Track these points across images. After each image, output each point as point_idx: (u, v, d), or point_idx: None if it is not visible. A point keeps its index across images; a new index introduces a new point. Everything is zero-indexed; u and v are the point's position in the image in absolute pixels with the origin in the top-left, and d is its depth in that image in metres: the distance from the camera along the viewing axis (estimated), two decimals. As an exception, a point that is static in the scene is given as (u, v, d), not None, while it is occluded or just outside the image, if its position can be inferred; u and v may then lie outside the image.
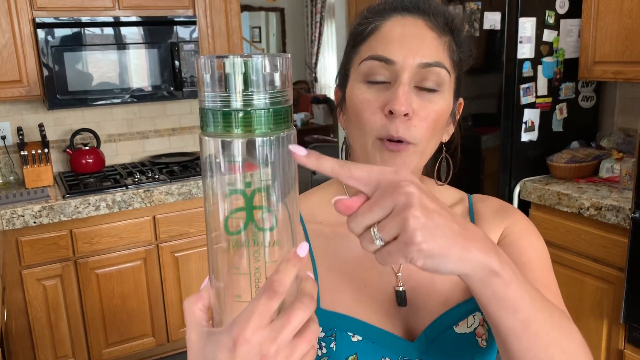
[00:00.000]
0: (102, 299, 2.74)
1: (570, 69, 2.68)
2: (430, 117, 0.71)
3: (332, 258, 0.79)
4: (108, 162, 3.15)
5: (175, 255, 2.86)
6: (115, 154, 3.21)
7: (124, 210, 2.70)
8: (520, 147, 2.66)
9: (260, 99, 0.44)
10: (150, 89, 2.90)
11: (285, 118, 0.47)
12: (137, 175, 2.86)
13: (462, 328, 0.75)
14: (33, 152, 2.76)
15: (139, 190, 2.71)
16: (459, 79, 0.77)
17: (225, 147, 0.45)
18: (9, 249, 2.52)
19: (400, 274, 0.78)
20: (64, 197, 2.61)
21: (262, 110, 0.44)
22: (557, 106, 2.70)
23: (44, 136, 2.81)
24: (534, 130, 2.66)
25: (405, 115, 0.69)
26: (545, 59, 2.62)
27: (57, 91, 2.69)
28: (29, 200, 2.58)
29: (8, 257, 2.53)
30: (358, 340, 0.73)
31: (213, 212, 0.48)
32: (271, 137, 0.45)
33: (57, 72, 2.69)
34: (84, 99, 2.77)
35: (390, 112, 0.69)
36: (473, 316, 0.76)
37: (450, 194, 0.88)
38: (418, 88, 0.71)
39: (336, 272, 0.77)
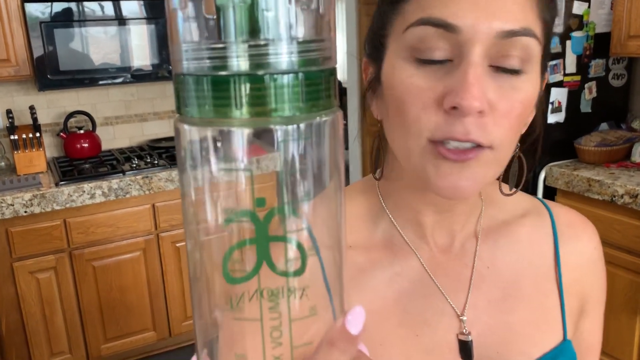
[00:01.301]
0: (99, 292, 2.58)
1: (601, 44, 2.48)
2: (514, 111, 0.50)
3: (370, 296, 0.59)
4: (104, 147, 2.97)
5: (177, 245, 2.69)
6: (112, 138, 3.03)
7: (121, 198, 2.54)
8: (546, 130, 2.46)
9: (280, 55, 0.26)
10: (150, 68, 2.72)
11: (325, 90, 0.28)
12: (135, 161, 2.69)
13: None
14: (24, 136, 2.58)
15: (137, 177, 2.54)
16: (547, 48, 0.55)
17: (220, 143, 0.27)
18: (-2, 240, 2.37)
19: (465, 317, 0.60)
20: (56, 185, 2.44)
21: (285, 76, 0.26)
22: (586, 85, 2.50)
23: (35, 119, 2.63)
24: (561, 111, 2.47)
25: (480, 112, 0.48)
26: (575, 34, 2.42)
27: (47, 71, 2.51)
28: (19, 188, 2.41)
29: (-2, 248, 2.37)
30: None
31: (202, 248, 0.30)
32: (300, 125, 0.27)
33: (48, 50, 2.50)
34: (77, 79, 2.59)
35: (454, 108, 0.48)
36: None
37: (517, 202, 0.68)
38: (494, 68, 0.49)
39: (376, 317, 0.58)
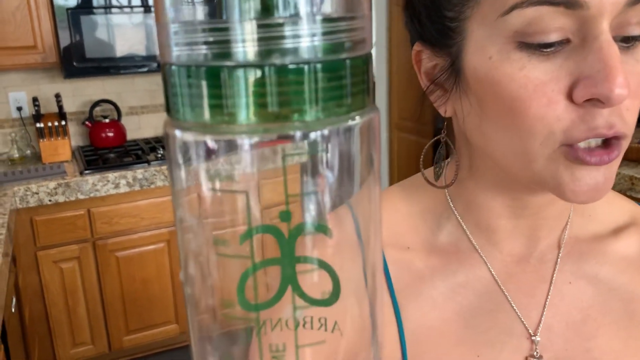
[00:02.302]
0: (122, 284, 2.56)
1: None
2: None
3: (428, 309, 0.52)
4: (130, 137, 2.94)
5: (200, 237, 2.66)
6: (138, 128, 3.00)
7: (146, 189, 2.50)
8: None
9: (299, 38, 0.19)
10: (174, 57, 2.67)
11: (357, 83, 0.21)
12: (161, 151, 2.65)
13: None
14: (50, 124, 2.56)
15: (162, 167, 2.50)
16: None
17: (224, 156, 0.21)
18: (23, 228, 2.35)
19: (538, 337, 0.52)
20: (81, 174, 2.41)
21: (306, 66, 0.19)
22: (630, 78, 2.38)
23: (60, 107, 2.61)
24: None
25: None
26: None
27: (73, 58, 2.48)
28: (44, 177, 2.39)
29: (22, 237, 2.36)
30: None
31: (206, 270, 0.24)
32: (325, 132, 0.21)
33: (74, 38, 2.47)
34: (103, 67, 2.56)
35: (590, 100, 0.40)
36: None
37: (614, 210, 0.58)
38: (617, 38, 0.41)
39: (433, 333, 0.51)
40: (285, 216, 0.22)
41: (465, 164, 0.53)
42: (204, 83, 0.20)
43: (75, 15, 2.45)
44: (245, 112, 0.19)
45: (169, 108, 0.22)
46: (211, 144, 0.20)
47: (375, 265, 0.26)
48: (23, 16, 2.41)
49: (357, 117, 0.21)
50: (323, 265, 0.23)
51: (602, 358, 0.52)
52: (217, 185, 0.21)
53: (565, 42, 0.41)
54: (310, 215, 0.22)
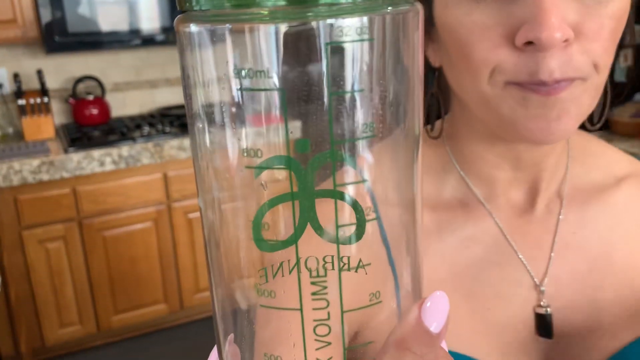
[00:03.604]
0: (109, 263, 2.52)
1: (638, 8, 2.32)
2: (604, 30, 0.41)
3: (436, 263, 0.52)
4: (114, 114, 2.88)
5: (189, 216, 2.62)
6: (122, 105, 2.93)
7: (132, 167, 2.45)
8: (578, 99, 2.34)
9: None
10: (161, 31, 2.61)
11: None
12: (147, 128, 2.59)
13: None
14: (32, 101, 2.49)
15: (148, 144, 2.45)
16: None
17: (246, 47, 0.17)
18: (6, 208, 2.30)
19: (544, 288, 0.52)
20: (65, 151, 2.35)
21: None
22: (621, 52, 2.36)
23: (43, 84, 2.54)
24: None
25: (564, 42, 0.40)
26: (612, -3, 2.27)
27: (55, 33, 2.41)
28: (27, 155, 2.33)
29: (6, 216, 2.30)
30: None
31: (223, 206, 0.21)
32: (360, 20, 0.17)
33: (55, 11, 2.40)
34: (86, 42, 2.49)
35: (530, 43, 0.41)
36: None
37: (612, 161, 0.57)
38: None
39: (444, 286, 0.50)
40: (303, 145, 0.18)
41: (458, 116, 0.54)
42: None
43: (56, -12, 2.38)
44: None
45: (180, 1, 0.18)
46: (232, 33, 0.17)
47: (415, 203, 0.23)
48: (2, -11, 2.33)
49: (399, 4, 0.18)
50: (347, 200, 0.20)
51: (608, 308, 0.52)
52: (235, 89, 0.18)
53: None
54: (332, 141, 0.19)
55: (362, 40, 0.17)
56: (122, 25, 2.54)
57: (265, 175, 0.19)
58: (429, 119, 0.57)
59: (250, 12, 0.17)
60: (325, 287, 0.20)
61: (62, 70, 2.77)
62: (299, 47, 0.17)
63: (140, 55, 2.91)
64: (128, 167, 2.45)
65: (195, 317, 2.79)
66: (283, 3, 0.16)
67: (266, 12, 0.16)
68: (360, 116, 0.18)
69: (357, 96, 0.18)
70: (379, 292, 0.23)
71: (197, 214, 2.56)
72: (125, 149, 2.42)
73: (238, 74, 0.17)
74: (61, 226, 2.40)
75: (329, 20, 0.16)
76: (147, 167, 2.49)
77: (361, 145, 0.19)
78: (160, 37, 2.63)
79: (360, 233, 0.21)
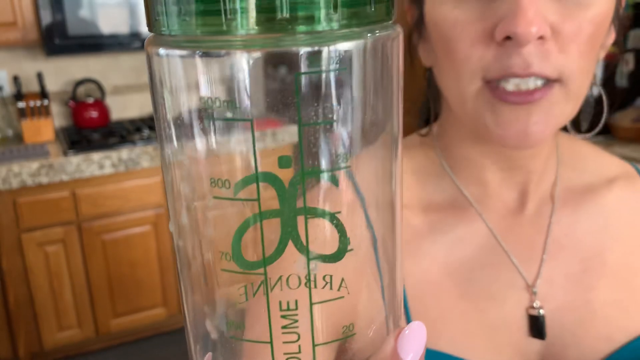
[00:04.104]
0: (108, 266, 2.51)
1: (641, 13, 2.32)
2: (583, 33, 0.42)
3: (428, 265, 0.52)
4: (114, 117, 2.88)
5: (188, 219, 2.61)
6: (122, 108, 2.93)
7: (132, 170, 2.45)
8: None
9: None
10: (160, 34, 2.60)
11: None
12: (146, 131, 2.59)
13: None
14: (32, 103, 2.49)
15: (148, 148, 2.44)
16: None
17: (217, 76, 0.17)
18: (5, 210, 2.29)
19: (536, 289, 0.52)
20: (64, 154, 2.35)
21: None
22: (624, 57, 2.35)
23: (42, 86, 2.54)
24: (595, 84, 2.32)
25: (540, 38, 0.41)
26: (613, 1, 2.26)
27: (55, 35, 2.41)
28: (27, 157, 2.32)
29: (5, 219, 2.30)
30: None
31: (199, 225, 0.20)
32: (337, 48, 0.17)
33: (56, 14, 2.39)
34: (86, 44, 2.49)
35: (508, 38, 0.42)
36: None
37: (603, 164, 0.58)
38: None
39: (434, 288, 0.51)
40: (285, 162, 0.18)
41: (447, 118, 0.55)
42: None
43: (57, -9, 2.38)
44: (240, 21, 0.15)
45: (150, 22, 0.18)
46: (203, 60, 0.16)
47: (394, 218, 0.22)
48: (2, -9, 2.33)
49: (378, 31, 0.17)
50: (329, 217, 0.19)
51: (602, 309, 0.52)
52: (212, 112, 0.17)
53: None
54: (315, 161, 0.18)
55: (337, 69, 0.16)
56: (123, 28, 2.54)
57: (243, 194, 0.18)
58: (426, 122, 0.57)
59: (222, 39, 0.16)
60: (295, 319, 0.20)
61: (62, 72, 2.77)
62: (270, 76, 0.16)
63: (140, 58, 2.90)
64: (128, 170, 2.44)
65: (195, 320, 2.78)
66: (255, 31, 0.15)
67: (238, 39, 0.16)
68: (333, 146, 0.17)
69: (330, 126, 0.17)
70: (358, 308, 0.22)
71: (197, 218, 2.54)
72: (125, 152, 2.41)
73: (207, 101, 0.17)
74: (60, 229, 2.39)
75: (303, 49, 0.16)
76: (147, 170, 2.48)
77: (333, 175, 0.18)
78: (160, 40, 2.63)
79: (342, 249, 0.20)
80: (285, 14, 0.15)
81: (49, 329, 2.47)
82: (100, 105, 2.72)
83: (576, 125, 0.54)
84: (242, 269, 0.20)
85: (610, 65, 2.34)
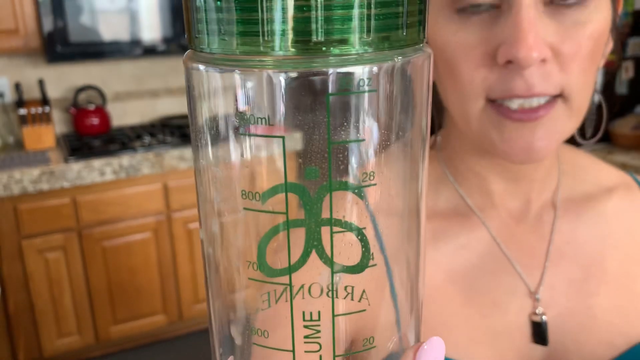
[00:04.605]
0: (108, 273, 2.51)
1: (640, 21, 2.34)
2: (582, 51, 0.44)
3: (431, 271, 0.53)
4: (115, 123, 2.88)
5: (189, 226, 2.61)
6: (123, 115, 2.94)
7: (132, 177, 2.45)
8: (579, 112, 2.34)
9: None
10: (162, 41, 2.61)
11: (408, 14, 0.18)
12: (147, 138, 2.59)
13: None
14: (33, 110, 2.49)
15: (149, 154, 2.45)
16: None
17: (250, 91, 0.17)
18: (6, 217, 2.29)
19: (539, 296, 0.53)
20: (65, 161, 2.35)
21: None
22: (623, 64, 2.36)
23: (44, 93, 2.54)
24: (596, 91, 2.33)
25: (542, 61, 0.42)
26: (613, 10, 2.28)
27: (56, 42, 2.41)
28: (28, 164, 2.33)
29: (6, 226, 2.30)
30: None
31: (223, 229, 0.21)
32: (369, 69, 0.17)
33: (57, 21, 2.40)
34: (87, 51, 2.50)
35: (509, 62, 0.43)
36: None
37: (602, 174, 0.59)
38: (552, 5, 0.43)
39: (438, 294, 0.52)
40: (313, 173, 0.18)
41: (450, 130, 0.56)
42: (234, 5, 0.16)
43: (59, -2, 2.39)
44: (281, 40, 0.16)
45: (190, 38, 0.18)
46: (239, 78, 0.17)
47: (419, 239, 0.23)
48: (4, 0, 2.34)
49: (407, 55, 0.18)
50: (353, 230, 0.20)
51: (603, 315, 0.53)
52: (247, 129, 0.18)
53: (495, 7, 0.44)
54: (341, 173, 0.18)
55: (367, 91, 0.17)
56: (124, 35, 2.55)
57: (271, 203, 0.19)
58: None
59: (258, 59, 0.16)
60: (325, 301, 0.20)
61: (63, 79, 2.78)
62: (304, 96, 0.17)
63: (141, 65, 2.91)
64: (128, 177, 2.44)
65: (194, 327, 2.78)
66: (292, 52, 0.16)
67: (273, 60, 0.16)
68: (360, 164, 0.18)
69: (359, 145, 0.18)
70: (377, 321, 0.23)
71: (197, 225, 2.53)
72: (125, 159, 2.42)
73: (242, 116, 0.17)
74: (61, 236, 2.39)
75: (336, 70, 0.16)
76: (148, 177, 2.48)
77: (361, 192, 0.19)
78: (161, 47, 2.63)
79: (364, 262, 0.21)
80: (320, 38, 0.16)
81: (49, 336, 2.46)
82: (101, 112, 2.73)
83: (580, 131, 0.56)
84: (268, 276, 0.20)
85: (609, 73, 2.35)
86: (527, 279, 0.54)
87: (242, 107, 0.17)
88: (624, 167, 2.15)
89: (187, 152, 2.53)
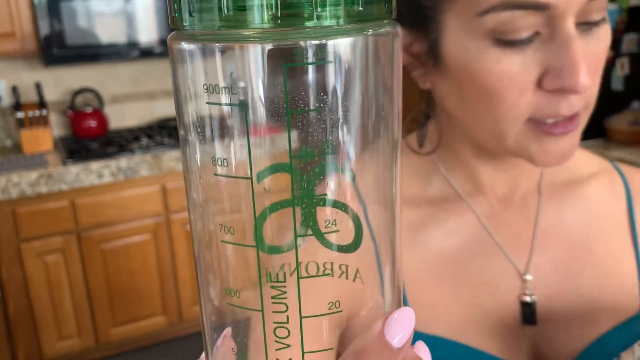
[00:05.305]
0: (108, 276, 2.51)
1: (635, 18, 2.34)
2: (601, 62, 0.47)
3: (423, 255, 0.55)
4: (113, 126, 2.89)
5: (187, 228, 2.61)
6: (121, 117, 2.94)
7: (130, 179, 2.45)
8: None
9: None
10: (159, 43, 2.62)
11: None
12: (145, 140, 2.60)
13: None
14: (30, 113, 2.49)
15: (147, 156, 2.45)
16: None
17: (233, 65, 0.18)
18: (5, 220, 2.29)
19: (529, 276, 0.55)
20: (63, 164, 2.35)
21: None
22: (618, 61, 2.37)
23: (41, 96, 2.55)
24: (591, 88, 2.35)
25: None
26: (607, 6, 2.28)
27: (53, 45, 2.42)
28: (26, 167, 2.33)
29: (4, 229, 2.30)
30: None
31: (217, 209, 0.22)
32: (340, 42, 0.18)
33: (54, 24, 2.41)
34: (84, 54, 2.50)
35: (560, 89, 0.45)
36: None
37: (584, 161, 0.62)
38: (580, 26, 0.45)
39: (431, 277, 0.54)
40: (304, 153, 0.19)
41: (446, 129, 0.57)
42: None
43: (54, 2, 2.39)
44: (255, 16, 0.16)
45: (173, 19, 0.19)
46: (219, 52, 0.17)
47: (395, 213, 0.23)
48: (0, 2, 2.34)
49: (377, 28, 0.18)
50: (344, 208, 0.20)
51: (589, 294, 0.55)
52: (232, 97, 0.18)
53: (536, 34, 0.45)
54: (326, 149, 0.19)
55: (328, 62, 0.17)
56: (120, 38, 2.55)
57: (266, 181, 0.19)
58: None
59: (237, 32, 0.17)
60: (285, 292, 0.21)
61: (60, 82, 2.78)
62: (283, 66, 0.17)
63: (138, 67, 2.92)
64: (126, 179, 2.45)
65: (194, 329, 2.78)
66: (269, 25, 0.16)
67: (253, 33, 0.17)
68: (343, 130, 0.19)
69: (340, 115, 0.18)
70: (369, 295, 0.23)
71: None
72: (123, 161, 2.42)
73: (225, 88, 0.18)
74: (60, 239, 2.39)
75: (312, 42, 0.17)
76: (146, 179, 2.49)
77: (347, 156, 0.19)
78: (158, 49, 2.64)
79: (358, 240, 0.21)
80: (292, 11, 0.16)
81: (49, 339, 2.47)
82: (98, 114, 2.73)
83: None
84: (265, 253, 0.21)
85: (605, 69, 2.35)
86: (515, 261, 0.56)
87: (222, 82, 0.18)
88: (621, 162, 2.16)
89: (185, 153, 2.53)
